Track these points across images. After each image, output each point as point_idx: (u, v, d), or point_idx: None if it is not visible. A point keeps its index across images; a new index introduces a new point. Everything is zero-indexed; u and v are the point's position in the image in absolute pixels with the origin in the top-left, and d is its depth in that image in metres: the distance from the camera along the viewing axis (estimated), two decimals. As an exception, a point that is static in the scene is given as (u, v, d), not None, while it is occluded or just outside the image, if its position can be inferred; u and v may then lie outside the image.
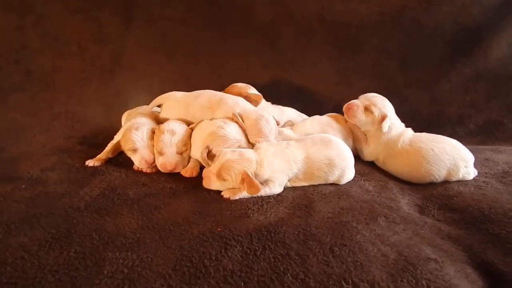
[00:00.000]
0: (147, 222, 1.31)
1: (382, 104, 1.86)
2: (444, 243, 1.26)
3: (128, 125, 1.85)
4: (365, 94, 1.92)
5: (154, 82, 2.67)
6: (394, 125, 1.86)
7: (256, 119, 1.74)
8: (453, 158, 1.72)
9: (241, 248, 1.16)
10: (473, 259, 1.19)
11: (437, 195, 1.63)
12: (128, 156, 1.82)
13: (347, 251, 1.15)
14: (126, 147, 1.79)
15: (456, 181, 1.74)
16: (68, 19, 2.63)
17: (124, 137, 1.79)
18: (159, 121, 1.97)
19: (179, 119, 1.89)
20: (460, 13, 2.64)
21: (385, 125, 1.80)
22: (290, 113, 2.29)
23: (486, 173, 1.82)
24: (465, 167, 1.73)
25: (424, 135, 1.84)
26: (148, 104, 2.28)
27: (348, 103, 1.88)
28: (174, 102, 1.96)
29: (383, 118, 1.81)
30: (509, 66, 2.64)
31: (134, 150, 1.77)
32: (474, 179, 1.76)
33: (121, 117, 2.29)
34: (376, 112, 1.83)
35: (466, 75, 2.67)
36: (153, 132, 1.79)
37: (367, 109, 1.84)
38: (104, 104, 2.61)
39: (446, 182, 1.74)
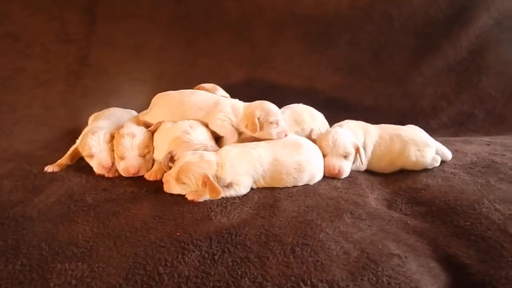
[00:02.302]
0: (103, 229, 1.26)
1: (349, 140, 1.74)
2: (409, 237, 1.25)
3: (86, 130, 1.79)
4: (327, 138, 1.74)
5: (122, 82, 2.60)
6: (359, 139, 1.80)
7: (258, 105, 1.70)
8: (406, 142, 1.79)
9: (199, 253, 1.12)
10: (437, 253, 1.18)
11: (405, 188, 1.62)
12: (88, 162, 1.75)
13: (308, 251, 1.12)
14: (83, 153, 1.72)
15: (425, 173, 1.74)
16: (29, 19, 2.54)
17: (81, 142, 1.72)
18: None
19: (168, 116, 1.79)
20: (430, 5, 2.65)
21: (363, 157, 1.76)
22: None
23: (454, 164, 1.83)
24: (418, 150, 1.77)
25: (384, 127, 1.88)
26: (115, 106, 2.22)
27: (330, 172, 1.71)
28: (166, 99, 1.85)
29: (357, 150, 1.74)
30: (478, 57, 2.66)
31: (91, 156, 1.70)
32: (442, 170, 1.76)
33: (88, 120, 2.20)
34: (352, 152, 1.74)
35: (437, 68, 2.69)
36: (112, 137, 1.72)
37: (346, 156, 1.73)
38: (70, 106, 2.53)
39: (415, 174, 1.74)
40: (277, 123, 1.67)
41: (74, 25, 2.60)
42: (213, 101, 1.75)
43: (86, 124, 2.17)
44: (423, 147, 1.78)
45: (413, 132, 1.84)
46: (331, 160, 1.71)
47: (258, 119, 1.64)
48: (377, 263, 1.08)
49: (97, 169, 1.71)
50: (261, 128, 1.65)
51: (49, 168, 1.76)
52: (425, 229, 1.30)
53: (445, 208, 1.40)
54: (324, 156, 1.73)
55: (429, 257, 1.16)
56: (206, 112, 1.72)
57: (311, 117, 1.95)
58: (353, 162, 1.79)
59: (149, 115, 1.83)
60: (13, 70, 2.50)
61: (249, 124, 1.66)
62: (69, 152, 1.85)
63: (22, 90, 2.50)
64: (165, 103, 1.80)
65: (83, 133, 1.83)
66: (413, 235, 1.27)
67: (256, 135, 1.67)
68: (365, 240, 1.19)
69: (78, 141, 1.84)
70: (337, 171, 1.70)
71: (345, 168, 1.72)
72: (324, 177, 1.72)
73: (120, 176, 1.71)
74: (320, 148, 1.74)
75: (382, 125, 1.92)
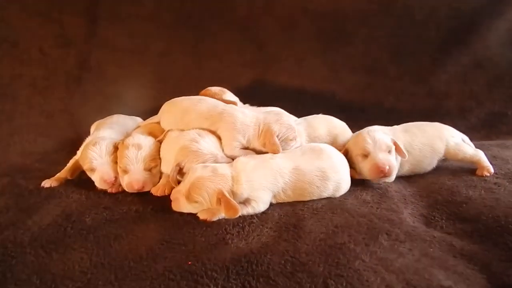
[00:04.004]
0: (103, 258, 1.11)
1: (386, 135, 1.60)
2: (457, 263, 1.09)
3: (87, 140, 1.67)
4: (364, 137, 1.60)
5: (125, 87, 2.53)
6: (393, 139, 1.65)
7: (275, 120, 1.58)
8: (436, 125, 1.79)
9: (215, 287, 0.97)
10: (493, 282, 1.02)
11: (443, 201, 1.45)
12: (89, 176, 1.61)
13: (344, 284, 0.96)
14: (84, 166, 1.59)
15: (463, 183, 1.57)
16: (27, 23, 2.47)
17: (82, 155, 1.60)
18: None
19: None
20: (455, -4, 2.54)
21: (404, 152, 1.59)
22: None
23: (496, 173, 1.65)
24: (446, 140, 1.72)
25: (406, 127, 1.78)
26: (118, 112, 2.11)
27: (380, 170, 1.53)
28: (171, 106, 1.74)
29: (396, 144, 1.59)
30: (509, 52, 2.51)
31: (92, 170, 1.57)
32: (483, 180, 1.59)
33: (89, 129, 2.09)
34: (393, 146, 1.58)
35: (464, 64, 2.56)
36: (115, 148, 1.59)
37: (390, 151, 1.58)
38: (70, 114, 2.47)
39: (452, 185, 1.56)
40: (295, 139, 1.57)
41: (73, 28, 2.52)
42: (219, 111, 1.62)
43: (87, 133, 2.07)
44: (448, 138, 1.72)
45: (435, 127, 1.81)
46: (377, 157, 1.53)
47: (277, 136, 1.52)
48: (427, 299, 0.91)
49: (99, 184, 1.58)
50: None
51: (46, 183, 1.63)
52: (475, 252, 1.13)
53: (495, 226, 1.23)
54: (365, 156, 1.56)
55: (484, 288, 0.99)
56: (212, 123, 1.60)
57: (328, 134, 1.78)
58: None
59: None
60: (10, 77, 2.41)
61: (268, 144, 1.52)
62: (69, 165, 1.72)
63: (20, 98, 2.41)
64: (170, 111, 1.69)
65: (84, 143, 1.71)
66: (461, 260, 1.10)
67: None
68: (409, 269, 1.03)
69: (78, 153, 1.71)
70: (388, 167, 1.51)
71: (394, 163, 1.56)
72: (351, 189, 1.55)
73: (124, 191, 1.57)
74: (358, 151, 1.58)
75: (401, 125, 1.82)
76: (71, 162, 1.72)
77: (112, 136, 1.68)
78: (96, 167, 1.55)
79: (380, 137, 1.57)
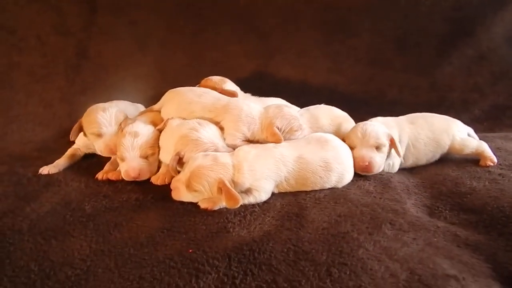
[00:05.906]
0: (103, 245, 1.10)
1: (382, 131, 1.56)
2: (462, 253, 1.07)
3: (94, 106, 1.62)
4: (356, 130, 1.57)
5: (125, 76, 2.49)
6: (394, 135, 1.63)
7: (276, 113, 1.56)
8: (445, 118, 1.77)
9: (216, 275, 0.96)
10: (499, 272, 1.01)
11: (447, 192, 1.44)
12: (90, 140, 1.62)
13: (347, 273, 0.95)
14: (88, 130, 1.57)
15: (468, 174, 1.55)
16: (25, 10, 2.42)
17: (88, 118, 1.57)
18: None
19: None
20: (461, -13, 2.50)
21: (399, 148, 1.56)
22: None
23: (500, 164, 1.63)
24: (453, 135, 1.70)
25: (412, 118, 1.75)
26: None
27: (360, 165, 1.52)
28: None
29: (392, 142, 1.56)
30: None
31: (99, 135, 1.56)
32: (488, 171, 1.57)
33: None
34: (385, 143, 1.55)
35: (468, 56, 2.52)
36: (123, 122, 1.58)
37: (378, 148, 1.54)
38: (69, 103, 2.42)
39: (456, 176, 1.54)
40: (300, 128, 1.55)
41: (72, 15, 2.47)
42: (223, 104, 1.61)
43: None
44: (454, 132, 1.70)
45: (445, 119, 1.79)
46: (360, 151, 1.53)
47: (280, 129, 1.52)
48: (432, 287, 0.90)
49: (102, 150, 1.59)
50: (285, 137, 1.52)
51: (44, 170, 1.61)
52: (480, 242, 1.12)
53: (500, 216, 1.22)
54: (352, 149, 1.55)
55: (490, 277, 0.99)
56: (216, 115, 1.59)
57: (330, 123, 1.75)
58: (387, 157, 1.60)
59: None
60: (7, 66, 2.37)
61: (269, 136, 1.52)
62: (70, 151, 1.72)
63: (17, 86, 2.37)
64: (174, 101, 1.66)
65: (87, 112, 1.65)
66: (466, 249, 1.10)
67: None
68: (413, 258, 1.02)
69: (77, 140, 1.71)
70: (367, 163, 1.51)
71: (377, 160, 1.53)
72: (354, 179, 1.54)
73: (123, 180, 1.54)
74: (348, 141, 1.57)
75: (408, 115, 1.79)
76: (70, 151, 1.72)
77: (118, 106, 1.68)
78: (104, 133, 1.55)
79: (371, 130, 1.53)
